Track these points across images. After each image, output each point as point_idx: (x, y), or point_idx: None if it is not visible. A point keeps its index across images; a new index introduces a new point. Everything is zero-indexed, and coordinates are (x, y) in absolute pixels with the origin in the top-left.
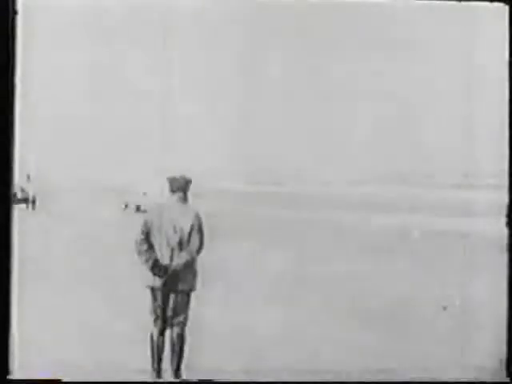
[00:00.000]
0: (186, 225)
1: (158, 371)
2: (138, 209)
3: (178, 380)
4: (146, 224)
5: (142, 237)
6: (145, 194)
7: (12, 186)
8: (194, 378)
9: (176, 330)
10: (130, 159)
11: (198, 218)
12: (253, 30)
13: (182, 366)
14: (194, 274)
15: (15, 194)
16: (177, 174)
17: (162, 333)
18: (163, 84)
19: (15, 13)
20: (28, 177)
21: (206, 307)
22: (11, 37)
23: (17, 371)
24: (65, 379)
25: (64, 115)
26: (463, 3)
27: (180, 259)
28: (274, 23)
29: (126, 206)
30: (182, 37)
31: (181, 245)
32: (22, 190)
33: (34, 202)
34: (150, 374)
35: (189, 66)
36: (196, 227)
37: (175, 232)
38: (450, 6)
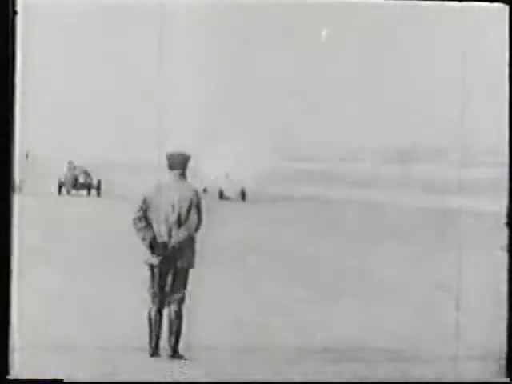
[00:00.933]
0: (184, 202)
1: (155, 349)
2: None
3: (180, 380)
4: (144, 201)
5: (140, 214)
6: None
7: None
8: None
9: (173, 307)
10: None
11: (196, 195)
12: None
13: (180, 344)
14: (193, 252)
15: (76, 179)
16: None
17: (159, 311)
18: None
19: (15, 13)
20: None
21: None
22: (11, 37)
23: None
24: (65, 379)
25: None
26: (463, 3)
27: (178, 236)
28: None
29: (205, 190)
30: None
31: (179, 222)
32: (86, 174)
33: (99, 187)
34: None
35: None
36: (194, 204)
37: (173, 209)
38: (450, 5)
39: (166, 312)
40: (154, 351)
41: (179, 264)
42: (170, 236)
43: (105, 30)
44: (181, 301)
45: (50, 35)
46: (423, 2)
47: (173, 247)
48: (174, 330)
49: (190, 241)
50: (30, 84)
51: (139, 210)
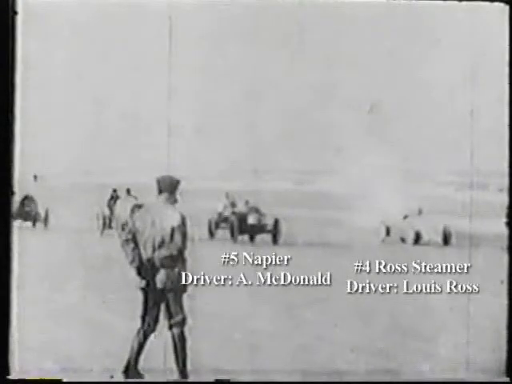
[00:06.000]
0: (168, 226)
1: (126, 369)
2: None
3: (180, 380)
4: (133, 224)
5: (129, 236)
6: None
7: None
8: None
9: (175, 330)
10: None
11: (182, 219)
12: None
13: (188, 366)
14: (183, 275)
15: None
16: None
17: (144, 333)
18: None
19: (15, 13)
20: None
21: None
22: (11, 37)
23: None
24: (65, 379)
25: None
26: (463, 3)
27: (159, 256)
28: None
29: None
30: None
31: (162, 245)
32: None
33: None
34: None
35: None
36: (178, 228)
37: (158, 233)
38: (450, 5)
39: (169, 335)
40: (124, 371)
41: (166, 286)
42: (152, 258)
43: (106, 30)
44: (180, 324)
45: (49, 35)
46: (423, 1)
47: (156, 269)
48: (180, 352)
49: (174, 262)
50: (29, 84)
51: (128, 233)
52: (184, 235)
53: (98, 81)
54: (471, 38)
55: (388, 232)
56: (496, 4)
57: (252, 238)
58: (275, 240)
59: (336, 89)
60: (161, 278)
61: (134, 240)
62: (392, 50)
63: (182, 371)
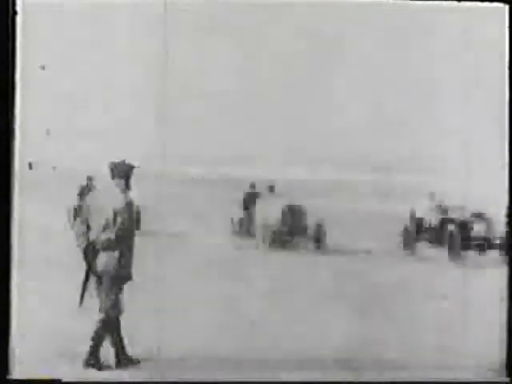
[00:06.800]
0: (113, 210)
1: (89, 355)
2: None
3: (180, 380)
4: (87, 208)
5: (81, 220)
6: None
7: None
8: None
9: (101, 315)
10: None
11: (126, 204)
12: None
13: (124, 353)
14: (124, 262)
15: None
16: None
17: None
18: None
19: (15, 13)
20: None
21: None
22: (11, 37)
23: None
24: (64, 379)
25: None
26: (462, 3)
27: (100, 239)
28: None
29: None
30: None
31: (105, 228)
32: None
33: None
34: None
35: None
36: (120, 213)
37: (103, 216)
38: (450, 5)
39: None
40: (88, 361)
41: (104, 270)
42: (94, 241)
43: (106, 30)
44: (109, 308)
45: (50, 35)
46: (422, 1)
47: (96, 252)
48: (115, 340)
49: (113, 246)
50: (29, 84)
51: (81, 216)
52: (128, 220)
53: (99, 81)
54: (471, 39)
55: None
56: (496, 4)
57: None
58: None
59: (336, 89)
60: (100, 261)
61: (87, 223)
62: (391, 50)
63: (118, 359)
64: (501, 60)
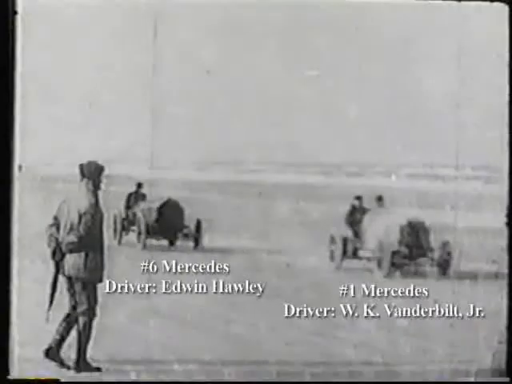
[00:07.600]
0: (78, 211)
1: (48, 349)
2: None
3: (180, 380)
4: (59, 209)
5: (52, 221)
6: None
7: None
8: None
9: (80, 320)
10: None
11: (91, 205)
12: None
13: (85, 358)
14: (92, 264)
15: None
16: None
17: (65, 318)
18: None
19: (15, 13)
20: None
21: None
22: (11, 37)
23: None
24: (63, 379)
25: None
26: (463, 3)
27: (66, 241)
28: None
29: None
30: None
31: (71, 230)
32: None
33: None
34: None
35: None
36: (85, 214)
37: (70, 218)
38: (450, 5)
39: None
40: (47, 353)
41: (71, 272)
42: (61, 243)
43: (106, 31)
44: (82, 314)
45: (49, 35)
46: (422, 1)
47: (63, 254)
48: (81, 344)
49: (78, 248)
50: (29, 84)
51: (53, 218)
52: (92, 221)
53: (99, 81)
54: (471, 38)
55: None
56: (496, 4)
57: None
58: None
59: (334, 88)
60: (67, 263)
61: (57, 225)
62: (390, 50)
63: (77, 362)
64: (501, 60)
